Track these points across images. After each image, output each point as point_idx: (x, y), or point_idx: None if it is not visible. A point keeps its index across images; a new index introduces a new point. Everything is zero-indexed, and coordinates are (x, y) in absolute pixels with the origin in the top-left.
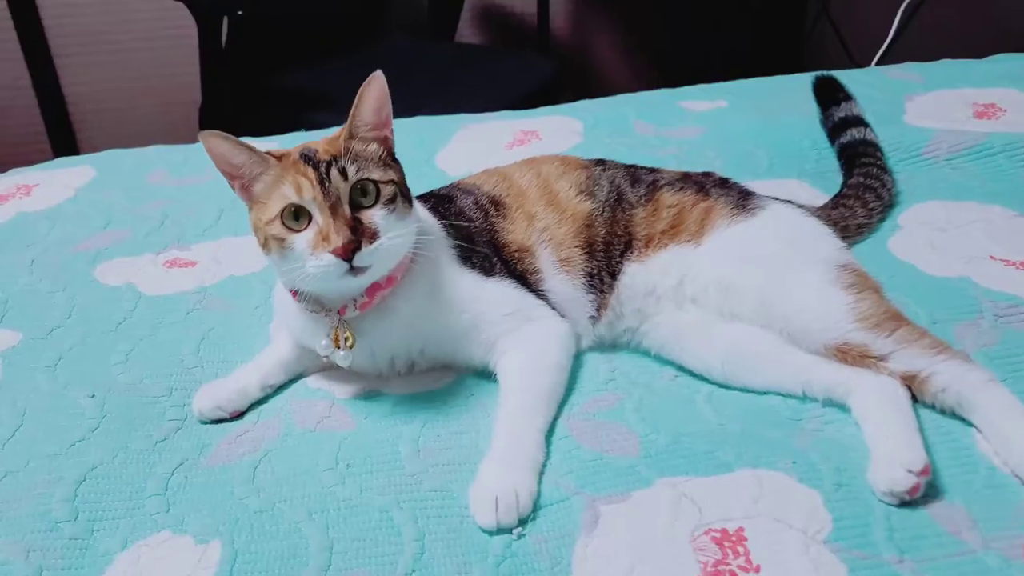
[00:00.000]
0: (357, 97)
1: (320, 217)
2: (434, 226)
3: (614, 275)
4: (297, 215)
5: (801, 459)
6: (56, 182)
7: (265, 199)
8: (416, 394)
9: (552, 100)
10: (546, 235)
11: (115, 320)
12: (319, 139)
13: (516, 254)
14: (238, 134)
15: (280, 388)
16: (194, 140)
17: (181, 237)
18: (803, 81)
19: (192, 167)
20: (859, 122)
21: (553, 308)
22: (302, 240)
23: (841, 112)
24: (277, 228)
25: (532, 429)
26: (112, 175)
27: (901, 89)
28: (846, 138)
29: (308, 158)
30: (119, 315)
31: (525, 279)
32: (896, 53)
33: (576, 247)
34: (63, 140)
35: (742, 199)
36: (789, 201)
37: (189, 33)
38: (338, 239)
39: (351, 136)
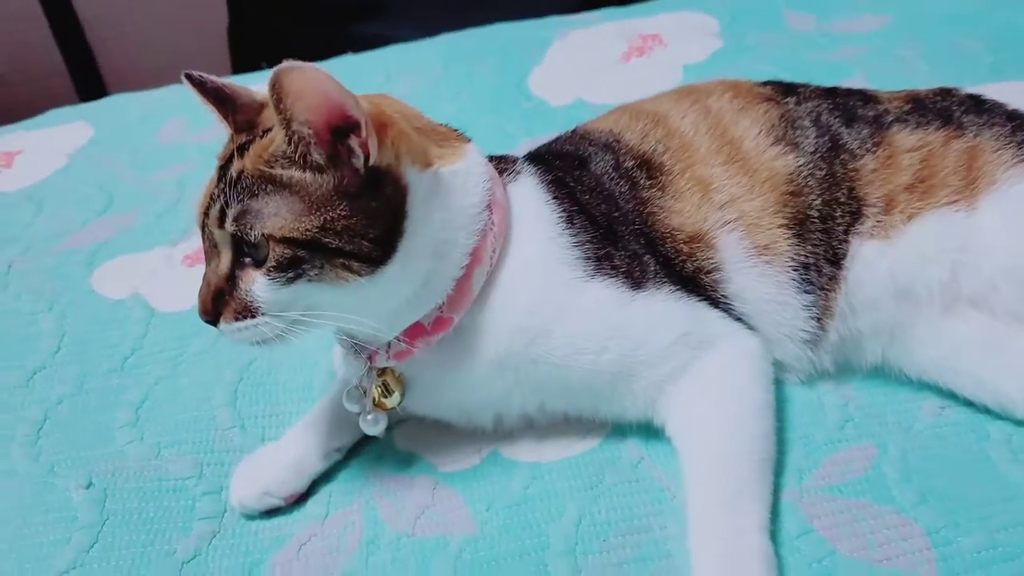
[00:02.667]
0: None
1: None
2: (542, 216)
3: (837, 262)
4: None
5: None
6: (44, 146)
7: None
8: (556, 463)
9: None
10: (731, 212)
11: (121, 354)
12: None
13: (686, 246)
14: (275, 57)
15: (353, 450)
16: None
17: None
18: None
19: None
20: None
21: (738, 319)
22: None
23: None
24: None
25: (751, 529)
26: (114, 133)
27: None
28: None
29: (231, 157)
30: (126, 345)
31: (696, 281)
32: None
33: (780, 226)
34: (86, 73)
35: (1020, 130)
36: None
37: None
38: (197, 301)
39: (275, 155)
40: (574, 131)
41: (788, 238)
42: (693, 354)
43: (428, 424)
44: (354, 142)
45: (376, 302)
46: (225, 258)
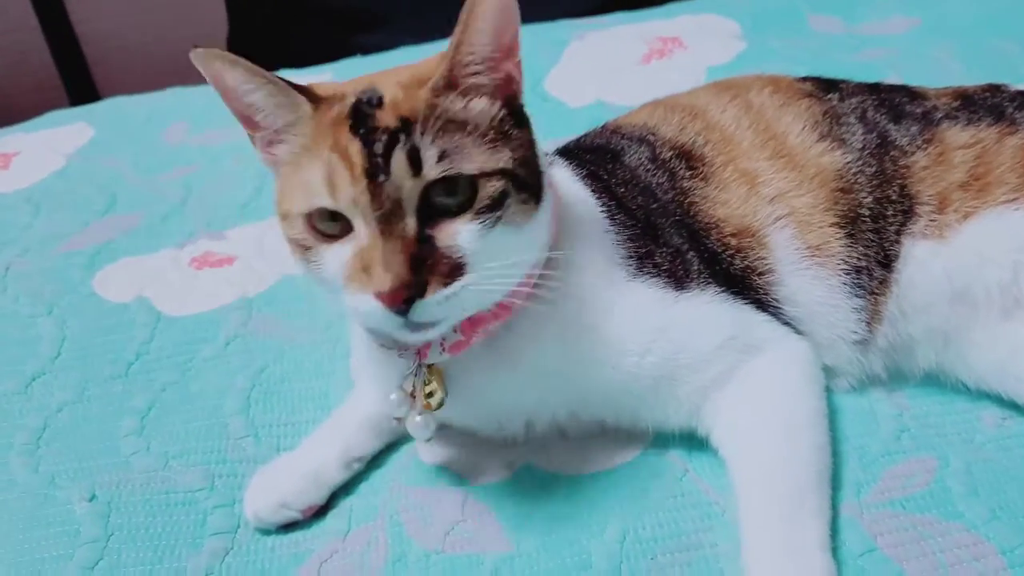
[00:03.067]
0: (465, 10)
1: (364, 230)
2: (586, 210)
3: (889, 264)
4: (334, 216)
5: None
6: (42, 147)
7: (290, 171)
8: (594, 475)
9: None
10: (782, 208)
11: (125, 359)
12: (398, 65)
13: (733, 240)
14: (274, 65)
15: (373, 461)
16: None
17: (212, 220)
18: None
19: (221, 115)
20: None
21: (786, 323)
22: (334, 258)
23: None
24: (299, 229)
25: (812, 546)
26: (116, 134)
27: None
28: None
29: (361, 118)
30: (130, 350)
31: (746, 282)
32: None
33: (831, 225)
34: (81, 85)
35: None
36: None
37: None
38: (385, 279)
39: (448, 84)
40: (604, 127)
41: (840, 238)
42: (739, 358)
43: (452, 435)
44: (514, 70)
45: (534, 249)
46: (411, 217)
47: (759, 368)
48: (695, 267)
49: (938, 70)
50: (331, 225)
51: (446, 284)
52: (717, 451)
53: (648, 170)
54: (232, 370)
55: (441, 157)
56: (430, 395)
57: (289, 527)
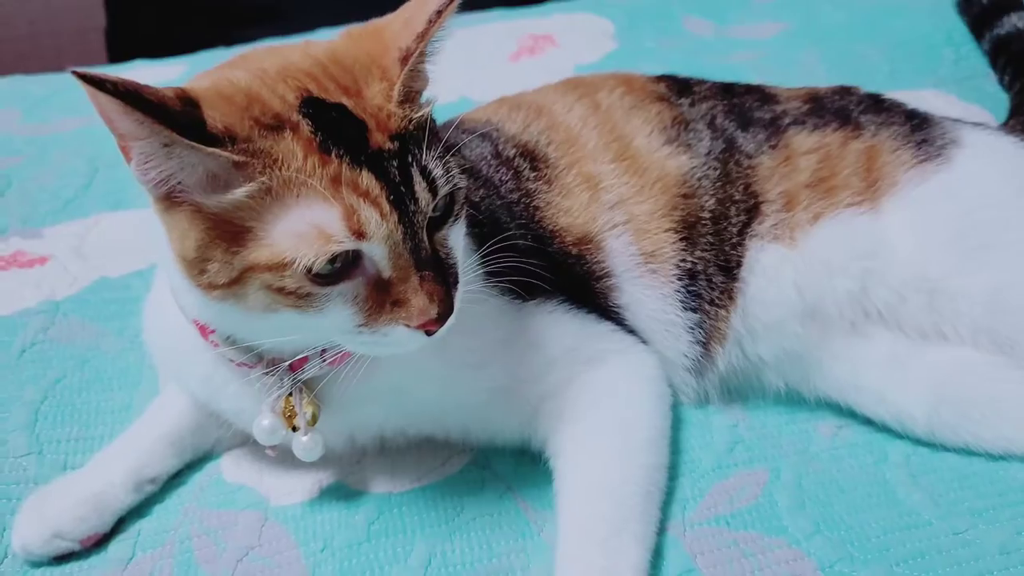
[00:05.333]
0: (426, 18)
1: (387, 263)
2: None
3: (730, 270)
4: (335, 258)
5: None
6: None
7: (253, 220)
8: (408, 493)
9: None
10: (620, 214)
11: None
12: (260, 55)
13: (575, 248)
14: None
15: (172, 480)
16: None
17: (30, 217)
18: None
19: (56, 106)
20: (1017, 4)
21: (631, 332)
22: (344, 301)
23: None
24: (296, 279)
25: (626, 571)
26: None
27: None
28: (1002, 29)
29: (346, 143)
30: None
31: (586, 288)
32: None
33: (667, 230)
34: None
35: (918, 130)
36: (977, 124)
37: None
38: (431, 309)
39: (408, 94)
40: (447, 122)
41: (674, 243)
42: (580, 370)
43: (262, 451)
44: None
45: None
46: (426, 238)
47: (599, 380)
48: (538, 275)
49: (803, 74)
50: (329, 268)
51: (456, 287)
52: (547, 466)
53: (490, 165)
54: (23, 381)
55: (446, 172)
56: (308, 414)
57: (64, 558)
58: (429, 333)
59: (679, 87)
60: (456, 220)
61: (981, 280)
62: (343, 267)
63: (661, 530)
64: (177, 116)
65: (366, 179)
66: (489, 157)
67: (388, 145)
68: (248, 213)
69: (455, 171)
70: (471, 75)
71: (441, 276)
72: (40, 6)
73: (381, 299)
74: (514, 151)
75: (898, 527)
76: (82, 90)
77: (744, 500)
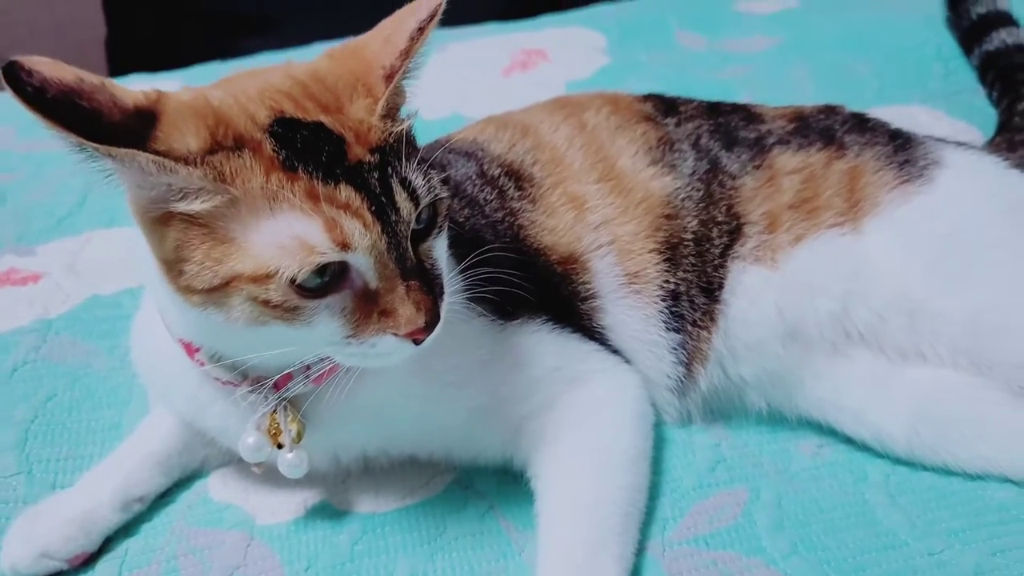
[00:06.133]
0: (409, 34)
1: (373, 274)
2: None
3: (712, 291)
4: (324, 270)
5: None
6: None
7: (231, 226)
8: (392, 513)
9: (555, 4)
10: (605, 235)
11: None
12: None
13: (560, 267)
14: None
15: (159, 499)
16: None
17: (24, 234)
18: None
19: None
20: (1006, 20)
21: (614, 352)
22: (331, 313)
23: (980, 7)
24: (283, 291)
25: None
26: None
27: None
28: (991, 44)
29: (320, 158)
30: None
31: (570, 308)
32: None
33: (650, 251)
34: None
35: (901, 151)
36: (960, 144)
37: None
38: (418, 318)
39: (389, 109)
40: (435, 142)
41: (658, 263)
42: (562, 390)
43: (249, 470)
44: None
45: None
46: (410, 248)
47: (581, 401)
48: (522, 294)
49: (792, 89)
50: (317, 280)
51: (442, 297)
52: (532, 484)
53: (475, 184)
54: (14, 400)
55: (426, 183)
56: (292, 432)
57: None
58: (417, 342)
59: (665, 106)
60: (440, 232)
61: (962, 301)
62: (331, 280)
63: (640, 550)
64: (114, 127)
65: (344, 192)
66: (474, 176)
67: (368, 158)
68: (222, 221)
69: (436, 182)
70: (464, 90)
71: (427, 286)
72: (41, 17)
73: (369, 310)
74: (499, 170)
75: (875, 547)
76: None
77: (723, 520)
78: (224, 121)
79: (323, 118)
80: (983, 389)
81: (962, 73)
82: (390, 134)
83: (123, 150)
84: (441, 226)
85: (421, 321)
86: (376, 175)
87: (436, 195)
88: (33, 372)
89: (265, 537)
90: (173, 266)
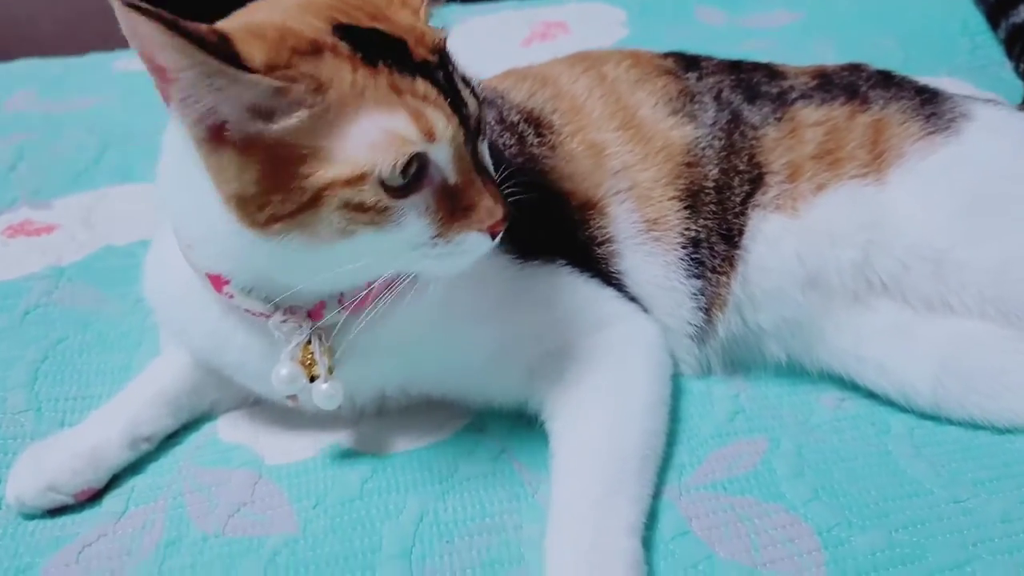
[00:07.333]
0: None
1: (452, 167)
2: None
3: (732, 238)
4: (407, 168)
5: None
6: None
7: (318, 139)
8: (403, 454)
9: None
10: (624, 181)
11: None
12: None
13: (578, 213)
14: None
15: (167, 440)
16: None
17: (40, 189)
18: None
19: (71, 86)
20: None
21: (632, 300)
22: (418, 211)
23: None
24: (374, 192)
25: (619, 531)
26: None
27: None
28: (1019, 17)
29: (383, 54)
30: None
31: (587, 253)
32: None
33: (671, 198)
34: None
35: (927, 104)
36: (991, 100)
37: None
38: (497, 210)
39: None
40: None
41: (679, 211)
42: (581, 333)
43: (259, 412)
44: None
45: None
46: (475, 138)
47: (600, 344)
48: (541, 237)
49: (815, 62)
50: (400, 180)
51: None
52: (546, 427)
53: (494, 130)
54: (25, 341)
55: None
56: (326, 364)
57: (59, 511)
58: (494, 236)
59: (686, 62)
60: (485, 137)
61: (989, 251)
62: (413, 179)
63: (657, 494)
64: (216, 47)
65: (422, 85)
66: (493, 123)
67: (431, 57)
68: (309, 136)
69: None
70: (483, 61)
71: (492, 180)
72: None
73: (450, 207)
74: (518, 117)
75: (898, 495)
76: (95, 71)
77: (742, 467)
78: (289, 32)
79: (377, 24)
80: (1011, 340)
81: (989, 47)
82: (442, 38)
83: (253, 76)
84: (485, 131)
85: (500, 212)
86: (441, 74)
87: (484, 96)
88: (44, 316)
89: (273, 476)
90: (254, 201)
